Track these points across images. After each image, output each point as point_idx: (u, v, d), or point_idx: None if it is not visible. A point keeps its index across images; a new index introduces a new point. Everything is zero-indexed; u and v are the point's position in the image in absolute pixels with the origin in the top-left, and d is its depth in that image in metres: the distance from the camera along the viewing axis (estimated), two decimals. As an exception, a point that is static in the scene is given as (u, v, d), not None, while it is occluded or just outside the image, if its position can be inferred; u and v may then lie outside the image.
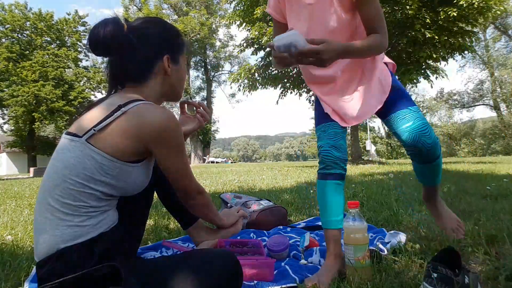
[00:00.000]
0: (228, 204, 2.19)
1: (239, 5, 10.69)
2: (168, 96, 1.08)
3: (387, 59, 1.36)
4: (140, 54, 0.98)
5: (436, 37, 8.58)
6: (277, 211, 1.98)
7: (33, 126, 23.43)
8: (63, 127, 23.01)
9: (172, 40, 1.06)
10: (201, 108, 1.34)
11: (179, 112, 1.36)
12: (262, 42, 9.69)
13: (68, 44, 25.63)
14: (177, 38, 1.07)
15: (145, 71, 1.00)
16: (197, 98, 31.32)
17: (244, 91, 11.77)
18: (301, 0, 1.20)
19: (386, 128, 34.26)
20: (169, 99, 1.09)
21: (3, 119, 25.08)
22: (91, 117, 0.89)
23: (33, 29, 24.29)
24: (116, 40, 0.93)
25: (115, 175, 0.88)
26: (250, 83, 11.55)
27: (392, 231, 1.60)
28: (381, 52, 1.21)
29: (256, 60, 11.69)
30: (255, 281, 1.05)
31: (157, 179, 1.15)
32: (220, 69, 32.82)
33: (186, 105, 1.35)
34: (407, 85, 10.99)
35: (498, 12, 8.64)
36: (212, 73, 32.59)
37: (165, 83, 1.04)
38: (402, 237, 1.47)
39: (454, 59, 10.17)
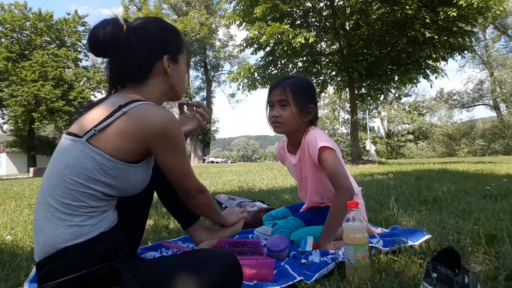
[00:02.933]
0: (223, 205, 2.21)
1: (239, 5, 10.68)
2: (169, 96, 1.08)
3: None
4: (140, 54, 0.98)
5: (436, 37, 8.58)
6: (267, 212, 1.99)
7: (33, 126, 23.40)
8: (62, 127, 22.99)
9: (172, 40, 1.06)
10: (200, 108, 1.34)
11: (179, 113, 1.36)
12: (262, 41, 9.67)
13: (68, 44, 25.59)
14: (176, 38, 1.07)
15: (145, 71, 1.00)
16: (197, 98, 31.34)
17: (244, 90, 11.75)
18: (291, 162, 1.61)
19: (386, 128, 34.33)
20: (170, 98, 1.10)
21: (3, 119, 25.07)
22: (92, 117, 0.89)
23: (32, 29, 24.25)
24: (115, 41, 0.92)
25: (115, 175, 0.88)
26: (250, 82, 11.54)
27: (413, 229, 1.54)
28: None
29: (256, 60, 11.70)
30: (255, 281, 1.05)
31: (157, 179, 1.15)
32: (220, 69, 32.83)
33: (185, 106, 1.36)
34: (407, 84, 10.98)
35: (498, 12, 8.62)
36: (212, 73, 32.59)
37: (165, 83, 1.04)
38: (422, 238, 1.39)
39: (454, 59, 10.18)
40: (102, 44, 0.92)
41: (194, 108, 1.36)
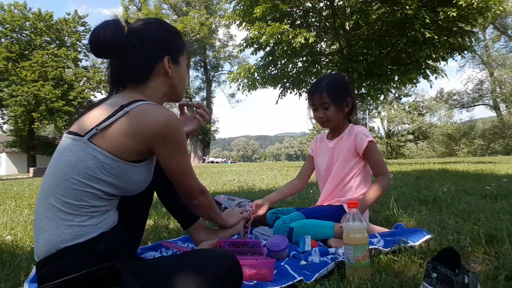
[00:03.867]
0: (222, 205, 2.21)
1: (239, 5, 10.68)
2: (170, 97, 1.08)
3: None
4: (141, 55, 0.98)
5: (436, 37, 8.58)
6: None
7: (33, 126, 23.38)
8: (62, 127, 22.97)
9: (172, 41, 1.06)
10: (200, 108, 1.34)
11: (179, 113, 1.36)
12: (262, 41, 9.67)
13: (68, 44, 25.57)
14: (177, 39, 1.08)
15: (146, 73, 1.00)
16: (197, 98, 31.36)
17: (244, 90, 11.75)
18: (327, 146, 1.75)
19: (386, 128, 34.33)
20: (171, 99, 1.10)
21: (3, 119, 25.06)
22: (93, 117, 0.89)
23: (32, 29, 24.24)
24: (116, 42, 0.93)
25: (117, 174, 0.88)
26: (250, 82, 11.53)
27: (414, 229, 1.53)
28: (383, 189, 1.56)
29: (256, 60, 11.70)
30: (255, 281, 1.05)
31: (157, 179, 1.15)
32: (220, 69, 32.86)
33: (185, 106, 1.36)
34: (407, 85, 10.98)
35: (498, 12, 8.61)
36: (212, 73, 32.61)
37: (166, 84, 1.04)
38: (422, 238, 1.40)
39: (453, 59, 10.17)
40: (103, 45, 0.92)
41: (194, 108, 1.36)
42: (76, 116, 0.97)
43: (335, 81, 1.72)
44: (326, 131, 1.85)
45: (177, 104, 1.33)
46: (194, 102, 1.36)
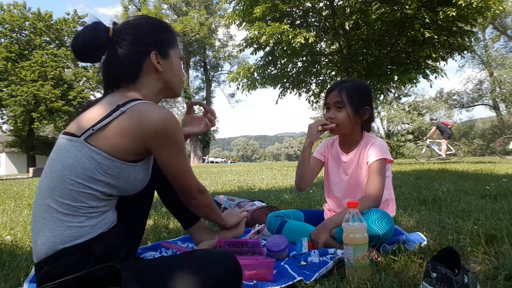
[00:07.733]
0: (222, 206, 2.21)
1: (239, 5, 10.68)
2: (165, 93, 1.06)
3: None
4: (125, 54, 0.97)
5: (436, 37, 8.58)
6: (270, 210, 2.00)
7: (32, 126, 23.36)
8: (62, 127, 22.93)
9: (159, 35, 1.03)
10: (209, 113, 1.34)
11: (185, 112, 1.36)
12: (261, 41, 9.66)
13: (67, 44, 25.53)
14: (163, 32, 1.05)
15: (134, 71, 0.98)
16: (196, 98, 31.34)
17: (243, 90, 11.75)
18: (341, 159, 1.60)
19: (385, 128, 34.33)
20: (168, 95, 1.08)
21: (2, 119, 25.05)
22: (89, 117, 0.89)
23: (32, 29, 24.23)
24: (95, 45, 0.93)
25: (114, 174, 0.88)
26: (249, 82, 11.53)
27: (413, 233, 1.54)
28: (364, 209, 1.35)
29: (256, 60, 11.69)
30: (255, 281, 1.05)
31: (158, 178, 1.14)
32: (220, 69, 32.80)
33: (198, 105, 1.36)
34: (407, 84, 10.98)
35: (497, 12, 8.62)
36: (212, 73, 32.56)
37: (158, 80, 1.02)
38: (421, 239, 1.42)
39: (453, 59, 10.16)
40: (83, 50, 0.93)
41: (203, 110, 1.35)
42: (74, 116, 0.96)
43: (359, 85, 1.56)
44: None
45: (189, 102, 1.34)
46: (207, 106, 1.34)
